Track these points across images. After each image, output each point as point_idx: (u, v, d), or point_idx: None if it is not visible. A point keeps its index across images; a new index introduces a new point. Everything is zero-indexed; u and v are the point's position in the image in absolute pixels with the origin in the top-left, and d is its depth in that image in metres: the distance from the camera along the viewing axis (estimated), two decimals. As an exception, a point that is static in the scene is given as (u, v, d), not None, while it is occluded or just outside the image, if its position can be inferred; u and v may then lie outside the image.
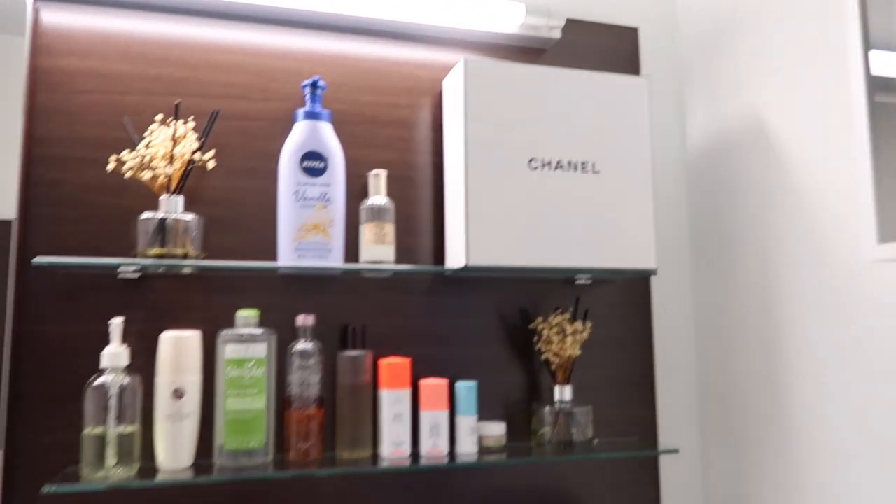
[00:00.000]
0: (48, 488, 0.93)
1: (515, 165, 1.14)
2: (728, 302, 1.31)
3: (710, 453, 1.36)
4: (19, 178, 1.07)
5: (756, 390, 1.23)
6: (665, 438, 1.37)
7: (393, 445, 1.12)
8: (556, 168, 1.15)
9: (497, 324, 1.27)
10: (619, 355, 1.33)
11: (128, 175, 1.06)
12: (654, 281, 1.40)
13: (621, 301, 1.35)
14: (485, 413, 1.24)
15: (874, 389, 0.99)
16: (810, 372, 1.11)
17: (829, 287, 1.07)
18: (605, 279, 1.32)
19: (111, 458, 0.99)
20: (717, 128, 1.36)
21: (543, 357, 1.20)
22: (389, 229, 1.16)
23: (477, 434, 1.16)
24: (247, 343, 1.07)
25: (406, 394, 1.14)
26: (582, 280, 1.29)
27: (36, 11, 1.12)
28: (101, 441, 0.99)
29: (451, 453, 1.15)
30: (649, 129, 1.21)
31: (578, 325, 1.20)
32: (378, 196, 1.18)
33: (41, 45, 1.11)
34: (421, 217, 1.27)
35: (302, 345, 1.11)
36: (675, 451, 1.16)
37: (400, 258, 1.23)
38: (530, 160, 1.14)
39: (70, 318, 1.08)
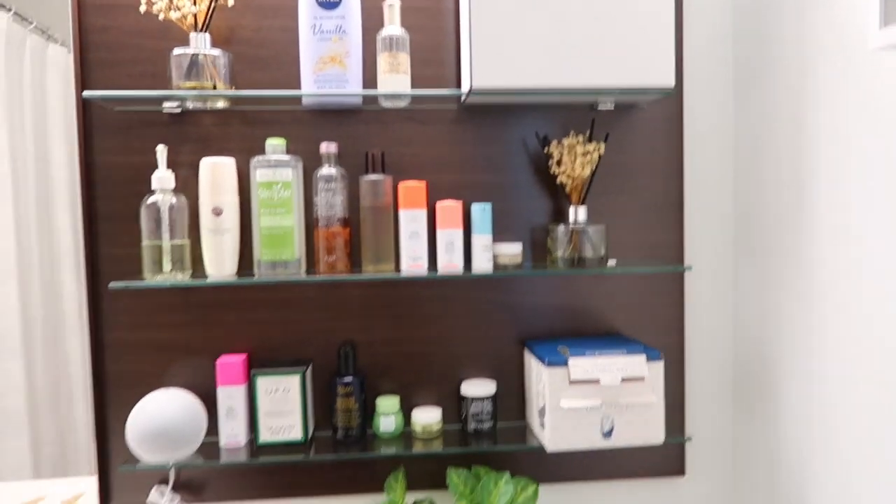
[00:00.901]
0: (114, 285, 1.12)
1: (521, -19, 1.12)
2: (766, 121, 1.25)
3: (740, 276, 1.35)
4: (73, 25, 1.21)
5: (786, 206, 1.19)
6: (693, 262, 1.37)
7: (410, 259, 1.22)
8: (565, -18, 1.12)
9: (518, 151, 1.30)
10: (648, 180, 1.33)
11: (161, 17, 1.17)
12: (688, 106, 1.36)
13: (650, 126, 1.32)
14: (506, 236, 1.30)
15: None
16: (837, 184, 1.06)
17: (856, 92, 1.00)
18: (632, 104, 1.29)
19: (167, 264, 1.17)
20: (764, -71, 1.24)
21: (558, 180, 1.23)
22: (404, 59, 1.20)
23: (491, 252, 1.23)
24: (274, 168, 1.19)
25: (422, 213, 1.22)
26: (607, 105, 1.27)
27: None
28: (158, 250, 1.17)
29: (468, 270, 1.24)
30: (672, -68, 1.13)
31: (591, 146, 1.20)
32: (392, 26, 1.20)
33: None
34: (444, 47, 1.29)
35: (326, 170, 1.21)
36: (688, 268, 1.17)
37: (423, 88, 1.27)
38: (537, -25, 1.12)
39: (127, 149, 1.24)
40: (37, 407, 1.28)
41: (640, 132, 1.32)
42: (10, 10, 1.21)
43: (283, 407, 1.22)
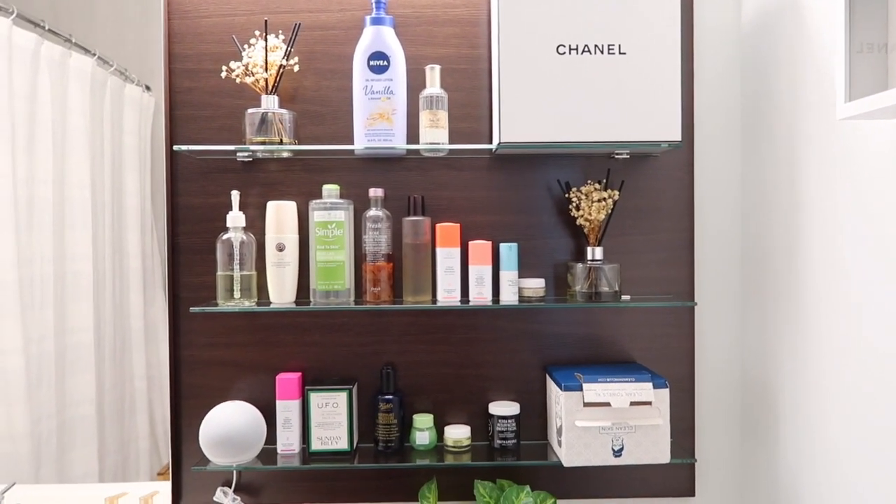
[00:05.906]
0: (194, 309, 1.32)
1: (544, 51, 1.28)
2: (768, 168, 1.38)
3: (747, 310, 1.47)
4: (164, 87, 1.43)
5: (786, 246, 1.31)
6: (702, 297, 1.49)
7: (445, 292, 1.38)
8: (583, 52, 1.28)
9: (543, 195, 1.46)
10: (662, 222, 1.47)
11: (238, 81, 1.37)
12: (699, 154, 1.49)
13: (664, 173, 1.46)
14: (532, 272, 1.45)
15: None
16: (827, 224, 1.18)
17: (838, 147, 1.13)
18: (645, 154, 1.44)
19: (237, 292, 1.36)
20: (766, 4, 1.38)
21: (577, 223, 1.38)
22: (443, 116, 1.38)
23: (517, 286, 1.39)
24: (329, 210, 1.37)
25: (456, 251, 1.38)
26: (623, 155, 1.42)
27: (166, -46, 1.43)
28: (230, 280, 1.36)
29: (496, 302, 1.39)
30: (678, 9, 1.28)
31: (606, 193, 1.35)
32: (433, 87, 1.38)
33: (173, -18, 1.44)
34: (479, 104, 1.46)
35: (373, 212, 1.39)
36: (694, 303, 1.30)
37: (459, 141, 1.44)
38: (558, 46, 1.28)
39: (206, 192, 1.44)
40: (104, 417, 1.44)
41: (654, 178, 1.47)
42: (94, 54, 1.41)
43: (332, 420, 1.39)
